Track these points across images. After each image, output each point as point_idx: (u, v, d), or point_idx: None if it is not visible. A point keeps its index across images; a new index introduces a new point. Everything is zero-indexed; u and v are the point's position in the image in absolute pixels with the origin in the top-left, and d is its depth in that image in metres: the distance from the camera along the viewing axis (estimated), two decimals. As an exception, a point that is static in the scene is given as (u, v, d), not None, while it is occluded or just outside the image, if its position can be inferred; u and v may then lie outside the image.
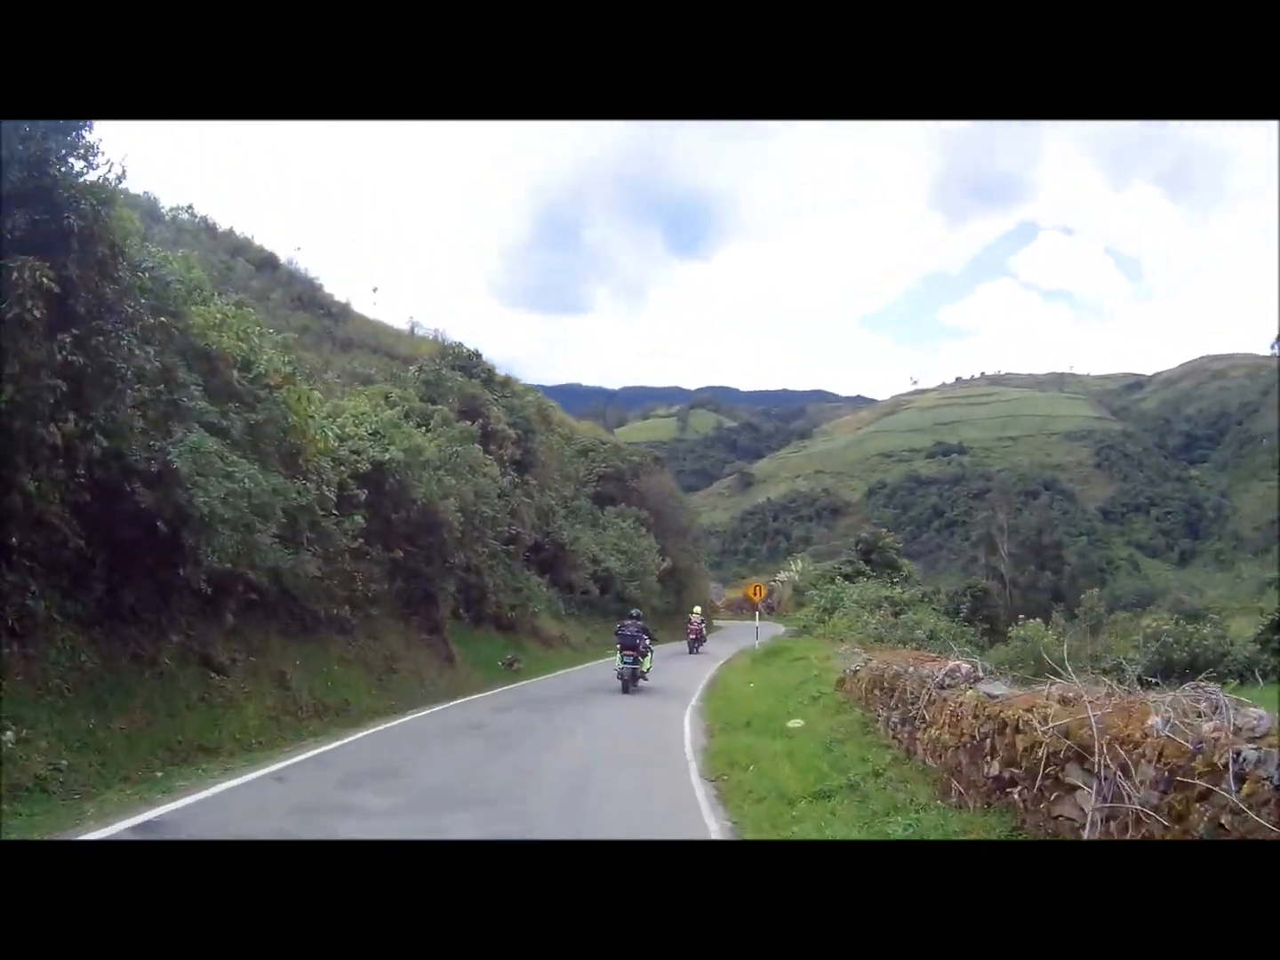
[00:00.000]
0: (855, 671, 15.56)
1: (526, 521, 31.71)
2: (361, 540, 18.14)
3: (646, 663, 22.77)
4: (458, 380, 32.07)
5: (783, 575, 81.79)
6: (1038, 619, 35.92)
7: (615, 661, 22.72)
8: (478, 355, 36.85)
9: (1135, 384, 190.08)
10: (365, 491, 18.57)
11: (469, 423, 27.69)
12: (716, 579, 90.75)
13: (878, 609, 30.73)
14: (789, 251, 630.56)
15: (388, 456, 19.58)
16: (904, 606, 32.02)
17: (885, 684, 12.73)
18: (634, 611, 26.30)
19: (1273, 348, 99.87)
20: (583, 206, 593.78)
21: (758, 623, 38.17)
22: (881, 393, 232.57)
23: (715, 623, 67.56)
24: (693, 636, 37.46)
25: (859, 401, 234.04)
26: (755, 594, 41.02)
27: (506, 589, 29.37)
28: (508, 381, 38.41)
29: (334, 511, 16.94)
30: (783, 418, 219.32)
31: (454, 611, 25.24)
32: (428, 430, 23.76)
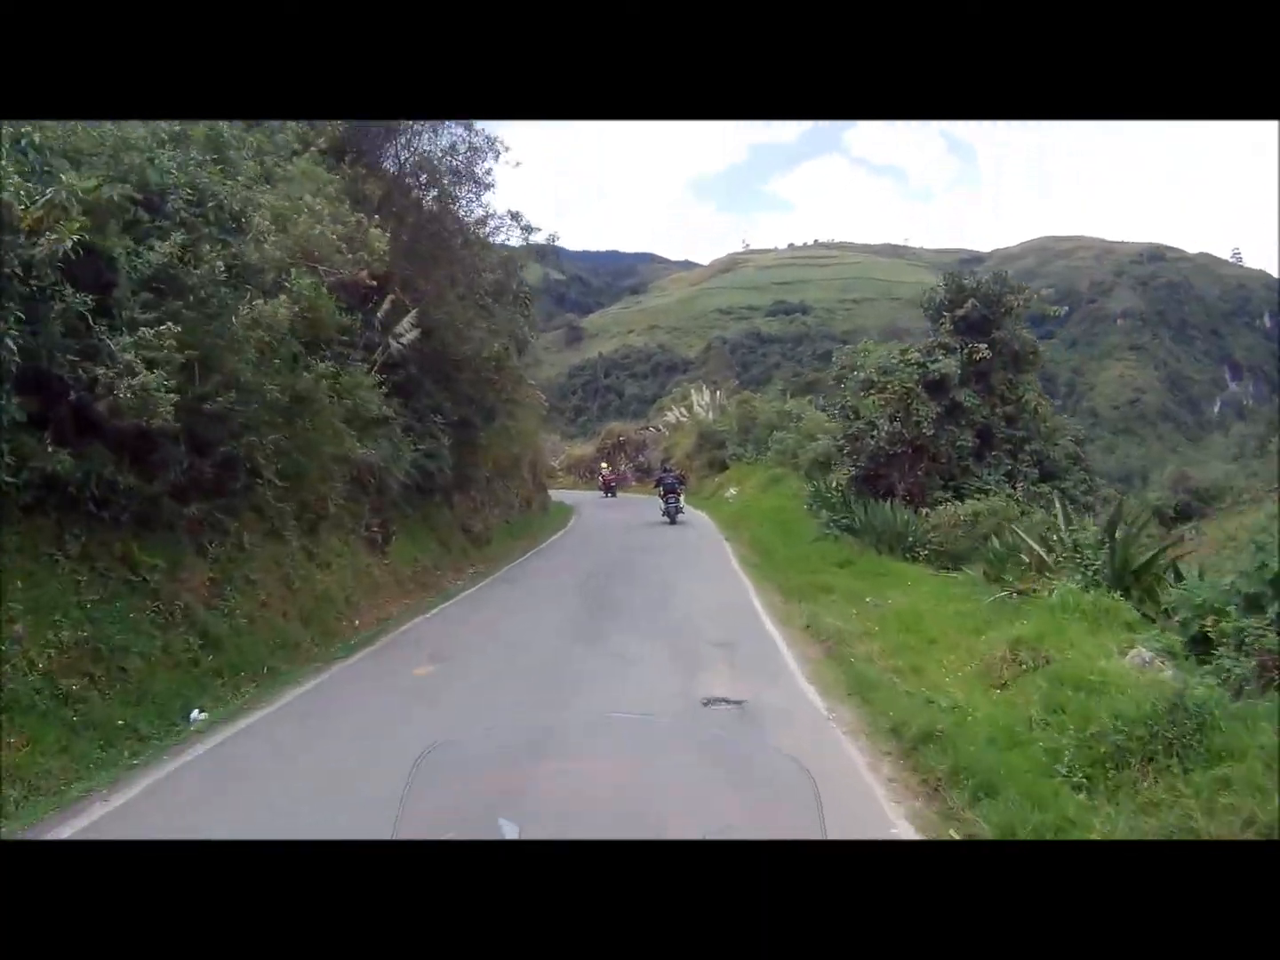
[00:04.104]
0: None
1: None
2: None
3: (683, 501, 27.58)
4: None
5: (671, 415, 49.50)
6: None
7: (659, 504, 27.27)
8: None
9: (973, 259, 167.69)
10: None
11: None
12: (552, 440, 57.30)
13: None
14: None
15: None
16: None
17: None
18: (666, 464, 32.15)
19: None
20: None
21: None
22: (709, 259, 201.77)
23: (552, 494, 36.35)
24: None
25: (688, 266, 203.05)
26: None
27: None
28: None
29: None
30: (614, 275, 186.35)
31: None
32: None
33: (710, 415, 43.64)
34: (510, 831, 1.98)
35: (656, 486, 28.96)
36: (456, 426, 18.45)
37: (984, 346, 20.64)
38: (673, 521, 26.45)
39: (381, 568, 14.89)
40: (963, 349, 20.65)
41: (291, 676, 9.87)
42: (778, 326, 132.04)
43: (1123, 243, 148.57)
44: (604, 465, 40.67)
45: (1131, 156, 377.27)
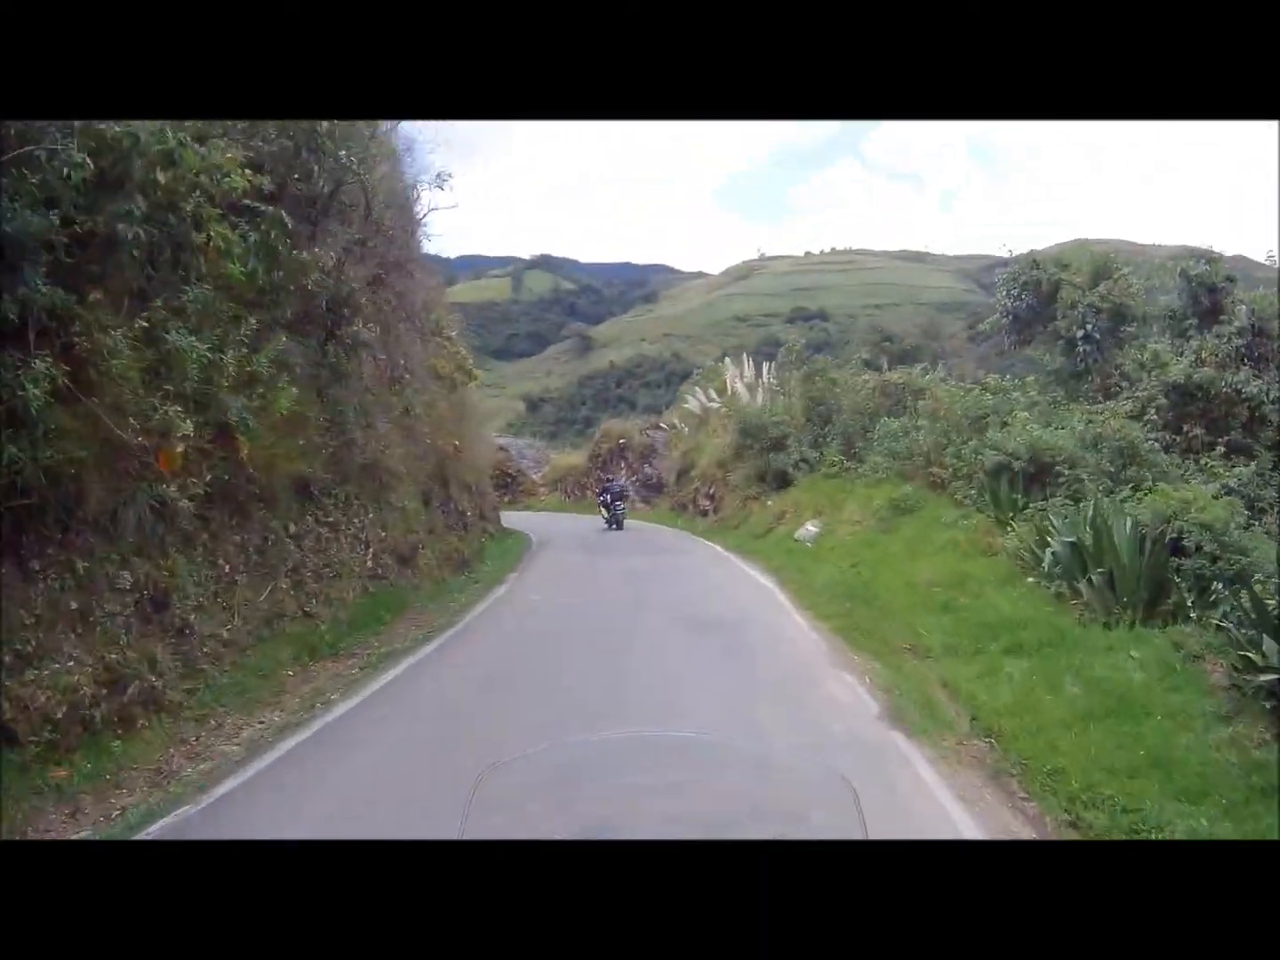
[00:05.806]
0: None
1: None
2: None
3: (625, 508, 26.08)
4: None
5: (694, 403, 32.43)
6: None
7: (603, 513, 25.91)
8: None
9: (1000, 263, 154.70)
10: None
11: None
12: (536, 448, 43.83)
13: None
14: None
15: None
16: None
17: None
18: (609, 478, 28.99)
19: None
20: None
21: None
22: (723, 268, 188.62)
23: (510, 517, 25.96)
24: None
25: (701, 277, 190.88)
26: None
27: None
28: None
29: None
30: (626, 286, 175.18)
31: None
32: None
33: (758, 399, 28.42)
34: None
35: (601, 495, 26.81)
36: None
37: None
38: (619, 527, 25.09)
39: None
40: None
41: None
42: (797, 334, 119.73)
43: (1155, 245, 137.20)
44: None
45: (1152, 159, 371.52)
